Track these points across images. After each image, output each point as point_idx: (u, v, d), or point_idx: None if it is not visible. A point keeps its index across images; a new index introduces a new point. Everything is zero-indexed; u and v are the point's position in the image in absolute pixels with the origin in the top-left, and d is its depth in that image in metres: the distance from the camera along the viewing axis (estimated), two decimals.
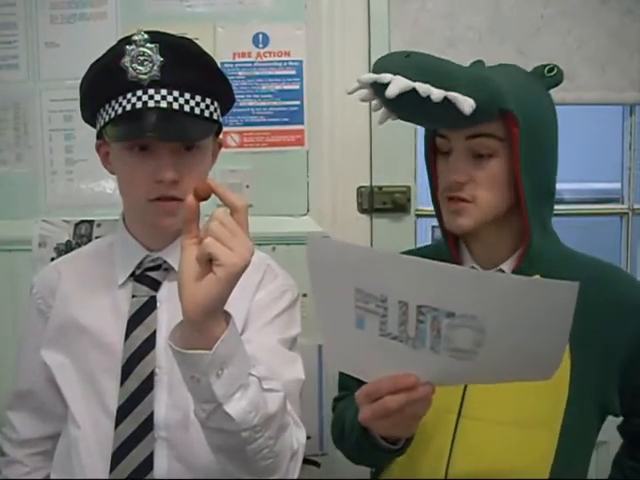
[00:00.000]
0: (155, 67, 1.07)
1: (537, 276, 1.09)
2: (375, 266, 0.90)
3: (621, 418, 1.23)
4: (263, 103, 1.81)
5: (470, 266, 1.20)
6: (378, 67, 1.10)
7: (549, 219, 1.19)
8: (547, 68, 1.17)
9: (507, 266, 1.17)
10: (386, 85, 1.05)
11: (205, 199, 0.91)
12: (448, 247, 1.22)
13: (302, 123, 1.81)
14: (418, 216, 1.86)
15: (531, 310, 0.86)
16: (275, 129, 1.81)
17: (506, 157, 1.10)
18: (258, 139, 1.82)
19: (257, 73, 1.80)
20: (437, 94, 1.02)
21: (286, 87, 1.80)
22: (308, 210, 1.83)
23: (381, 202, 1.83)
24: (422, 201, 1.88)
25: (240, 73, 1.79)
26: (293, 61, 1.80)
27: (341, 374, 1.35)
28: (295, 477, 1.07)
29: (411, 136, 1.83)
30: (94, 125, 1.17)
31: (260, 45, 1.80)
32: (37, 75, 1.83)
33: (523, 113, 1.07)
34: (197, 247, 0.88)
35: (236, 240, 0.87)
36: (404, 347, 0.92)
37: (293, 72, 1.80)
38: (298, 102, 1.81)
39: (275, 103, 1.81)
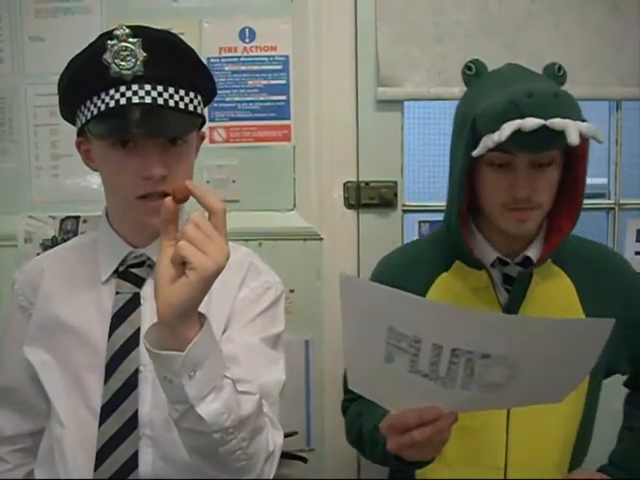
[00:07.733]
0: (138, 62, 1.05)
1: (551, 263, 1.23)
2: (409, 310, 0.91)
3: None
4: (249, 98, 1.80)
5: (496, 257, 1.23)
6: (533, 108, 1.06)
7: None
8: (556, 67, 1.20)
9: (532, 253, 1.22)
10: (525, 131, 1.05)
11: (183, 201, 0.91)
12: (462, 239, 1.21)
13: (288, 118, 1.81)
14: (405, 211, 1.86)
15: (566, 346, 0.90)
16: (261, 124, 1.81)
17: (560, 160, 1.17)
18: (244, 134, 1.81)
19: (243, 68, 1.80)
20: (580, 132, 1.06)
21: (272, 82, 1.80)
22: (295, 205, 1.83)
23: (368, 197, 1.83)
24: (409, 196, 1.88)
25: (226, 68, 1.78)
26: (279, 56, 1.79)
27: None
28: (270, 477, 1.07)
29: (398, 132, 1.83)
30: (73, 122, 1.15)
31: (246, 40, 1.79)
32: (22, 69, 1.82)
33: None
34: (173, 249, 0.88)
35: (211, 243, 0.86)
36: (433, 384, 0.94)
37: (279, 67, 1.80)
38: (284, 97, 1.80)
39: (261, 98, 1.80)
